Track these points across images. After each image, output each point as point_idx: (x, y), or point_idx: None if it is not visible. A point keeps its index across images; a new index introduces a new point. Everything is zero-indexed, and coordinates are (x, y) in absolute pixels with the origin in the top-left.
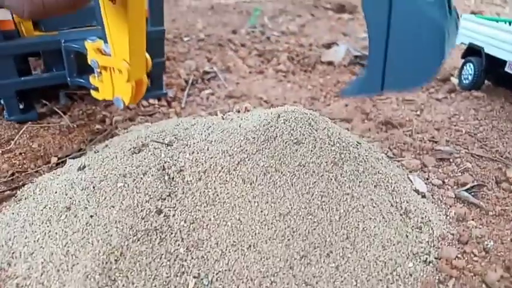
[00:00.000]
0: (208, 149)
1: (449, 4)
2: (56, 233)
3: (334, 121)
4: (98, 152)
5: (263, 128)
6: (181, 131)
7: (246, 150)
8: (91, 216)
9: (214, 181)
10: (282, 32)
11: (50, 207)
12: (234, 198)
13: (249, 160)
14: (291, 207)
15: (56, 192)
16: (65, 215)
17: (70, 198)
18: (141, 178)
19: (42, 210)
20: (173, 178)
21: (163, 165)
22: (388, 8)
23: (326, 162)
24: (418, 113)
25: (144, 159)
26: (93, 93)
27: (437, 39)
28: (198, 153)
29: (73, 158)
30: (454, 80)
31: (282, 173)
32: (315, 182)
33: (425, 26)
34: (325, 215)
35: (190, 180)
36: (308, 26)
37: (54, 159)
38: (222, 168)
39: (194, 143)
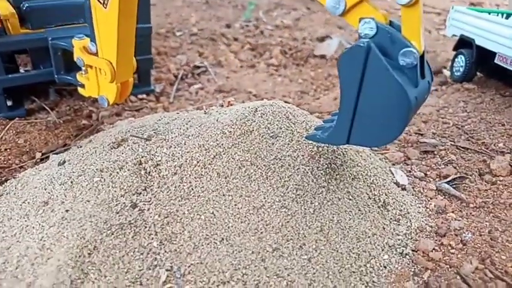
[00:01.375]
0: (185, 144)
1: (422, 69)
2: (33, 227)
3: (322, 114)
4: (81, 147)
5: (240, 122)
6: (162, 126)
7: (222, 145)
8: (67, 211)
9: (190, 175)
10: (276, 26)
11: (28, 202)
12: (209, 192)
13: (224, 154)
14: (265, 201)
15: (35, 187)
16: (42, 210)
17: (49, 193)
18: (117, 173)
19: (21, 205)
20: (149, 172)
21: (140, 160)
22: (362, 73)
23: (302, 155)
24: None
25: (122, 154)
26: (79, 90)
27: (403, 108)
28: (175, 147)
29: (57, 153)
30: (446, 73)
31: (257, 166)
32: (290, 176)
33: (393, 93)
34: (300, 207)
35: (166, 175)
36: (303, 20)
37: (38, 155)
38: (198, 162)
39: (172, 138)
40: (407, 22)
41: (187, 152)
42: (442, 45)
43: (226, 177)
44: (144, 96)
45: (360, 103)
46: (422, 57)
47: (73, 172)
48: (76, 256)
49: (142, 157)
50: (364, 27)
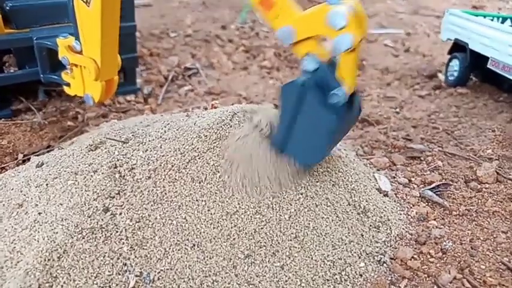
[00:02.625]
0: (161, 147)
1: (351, 103)
2: (6, 230)
3: None
4: (62, 149)
5: (216, 127)
6: (141, 128)
7: (198, 149)
8: (39, 214)
9: (164, 179)
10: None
11: (3, 204)
12: (182, 196)
13: (199, 159)
14: (239, 207)
15: (12, 189)
16: (16, 212)
17: (24, 195)
18: (91, 176)
19: None
20: (124, 176)
21: (116, 163)
22: (297, 103)
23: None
24: (398, 110)
25: (98, 156)
26: (65, 88)
27: (324, 138)
28: (151, 151)
29: (38, 155)
30: (441, 77)
31: (232, 172)
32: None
33: (319, 124)
34: (275, 214)
35: (140, 179)
36: None
37: (20, 156)
38: (172, 166)
39: (149, 141)
40: (344, 65)
41: (163, 156)
42: (439, 49)
43: (200, 182)
44: (133, 98)
45: (294, 126)
46: (352, 94)
47: (49, 174)
48: (45, 260)
49: (117, 160)
50: (308, 61)
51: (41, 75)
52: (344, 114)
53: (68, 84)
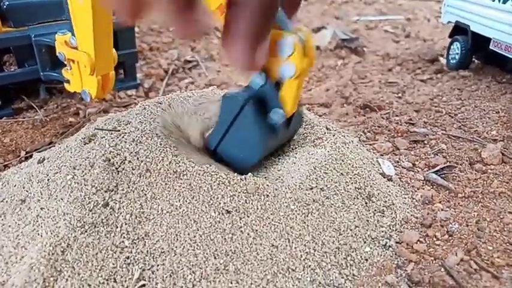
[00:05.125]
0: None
1: (289, 122)
2: (9, 226)
3: (312, 106)
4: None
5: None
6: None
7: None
8: (41, 209)
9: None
10: None
11: (6, 201)
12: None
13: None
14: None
15: (14, 186)
16: (19, 208)
17: (26, 191)
18: (89, 170)
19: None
20: (118, 169)
21: (108, 156)
22: (235, 115)
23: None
24: (400, 95)
25: (92, 149)
26: (65, 85)
27: (255, 153)
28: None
29: (40, 151)
30: (443, 61)
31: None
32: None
33: (251, 139)
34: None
35: (133, 172)
36: (299, 11)
37: (23, 153)
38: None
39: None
40: (287, 90)
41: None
42: (440, 33)
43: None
44: (134, 92)
45: (229, 133)
46: (292, 116)
47: (50, 170)
48: (49, 254)
49: (110, 153)
50: (256, 77)
51: (41, 73)
52: (281, 130)
53: (68, 81)
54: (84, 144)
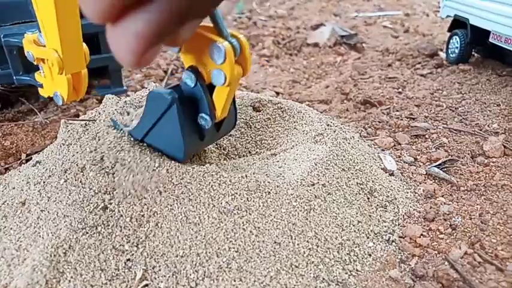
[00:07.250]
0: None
1: (220, 126)
2: (11, 228)
3: (312, 103)
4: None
5: None
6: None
7: None
8: (42, 211)
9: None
10: (270, 16)
11: (8, 203)
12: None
13: None
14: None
15: (14, 188)
16: (20, 210)
17: (25, 193)
18: (82, 174)
19: (1, 206)
20: (112, 169)
21: (102, 157)
22: (162, 112)
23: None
24: (400, 90)
25: (77, 153)
26: (40, 90)
27: (179, 155)
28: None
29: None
30: (443, 55)
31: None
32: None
33: (175, 141)
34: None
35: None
36: (298, 9)
37: (23, 156)
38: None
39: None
40: (218, 95)
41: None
42: (439, 28)
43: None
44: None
45: (155, 128)
46: (221, 120)
47: (44, 173)
48: (51, 255)
49: (102, 153)
50: (187, 76)
51: (14, 77)
52: (209, 132)
53: (42, 86)
54: (68, 146)
